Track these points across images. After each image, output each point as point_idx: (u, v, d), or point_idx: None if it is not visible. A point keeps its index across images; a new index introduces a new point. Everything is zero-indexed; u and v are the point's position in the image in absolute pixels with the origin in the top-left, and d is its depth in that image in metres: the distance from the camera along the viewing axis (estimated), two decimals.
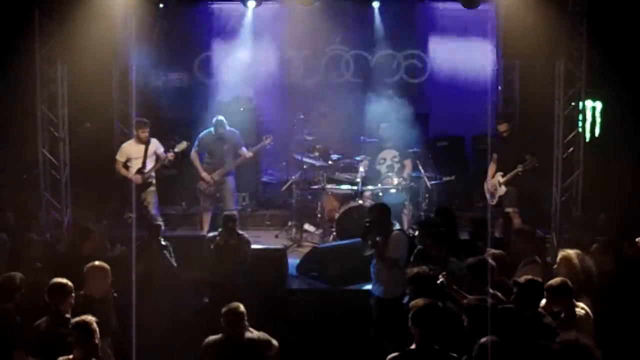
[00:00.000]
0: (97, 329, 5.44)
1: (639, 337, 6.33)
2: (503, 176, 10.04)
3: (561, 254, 6.82)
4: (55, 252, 8.67)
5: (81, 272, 6.56)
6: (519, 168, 9.79)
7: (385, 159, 10.80)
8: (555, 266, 6.79)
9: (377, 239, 7.60)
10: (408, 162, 10.72)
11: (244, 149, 10.57)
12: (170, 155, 10.27)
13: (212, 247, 8.40)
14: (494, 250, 7.07)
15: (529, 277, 6.05)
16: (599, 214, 9.43)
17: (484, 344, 5.06)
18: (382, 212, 7.80)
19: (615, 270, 7.17)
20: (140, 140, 10.28)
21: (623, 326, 6.45)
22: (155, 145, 10.37)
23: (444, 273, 6.40)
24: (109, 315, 6.58)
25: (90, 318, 5.47)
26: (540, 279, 6.06)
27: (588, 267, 6.78)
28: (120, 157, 10.30)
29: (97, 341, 5.42)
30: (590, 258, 7.00)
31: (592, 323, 6.10)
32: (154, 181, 10.38)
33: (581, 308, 6.08)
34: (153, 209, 10.29)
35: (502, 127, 10.16)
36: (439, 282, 6.30)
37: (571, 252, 6.79)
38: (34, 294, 6.47)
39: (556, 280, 6.13)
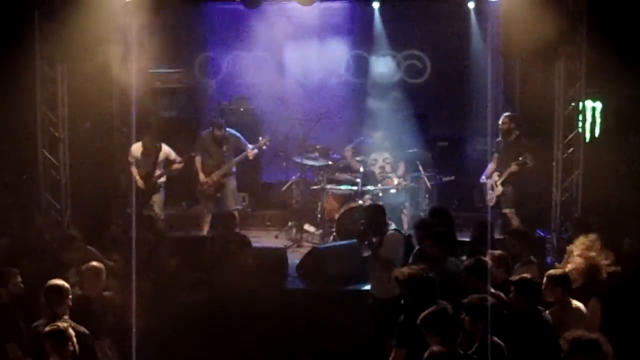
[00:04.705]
0: (73, 335, 5.37)
1: (638, 337, 6.33)
2: (499, 176, 10.05)
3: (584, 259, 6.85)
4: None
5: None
6: (513, 166, 9.83)
7: (377, 160, 10.81)
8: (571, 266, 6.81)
9: (373, 239, 7.60)
10: (401, 164, 10.74)
11: (249, 146, 10.57)
12: (179, 161, 10.44)
13: (211, 247, 8.40)
14: (495, 251, 7.07)
15: (523, 275, 6.10)
16: (597, 215, 9.42)
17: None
18: (376, 213, 7.83)
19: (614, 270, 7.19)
20: (146, 150, 10.31)
21: (622, 325, 6.46)
22: (167, 152, 10.42)
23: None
24: (107, 315, 6.57)
25: (64, 325, 5.41)
26: (535, 278, 6.12)
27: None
28: (130, 159, 10.41)
29: (72, 348, 5.35)
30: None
31: (597, 322, 6.14)
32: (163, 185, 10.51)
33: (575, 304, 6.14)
34: (158, 209, 10.34)
35: (501, 120, 10.19)
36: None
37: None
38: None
39: (557, 270, 6.20)
